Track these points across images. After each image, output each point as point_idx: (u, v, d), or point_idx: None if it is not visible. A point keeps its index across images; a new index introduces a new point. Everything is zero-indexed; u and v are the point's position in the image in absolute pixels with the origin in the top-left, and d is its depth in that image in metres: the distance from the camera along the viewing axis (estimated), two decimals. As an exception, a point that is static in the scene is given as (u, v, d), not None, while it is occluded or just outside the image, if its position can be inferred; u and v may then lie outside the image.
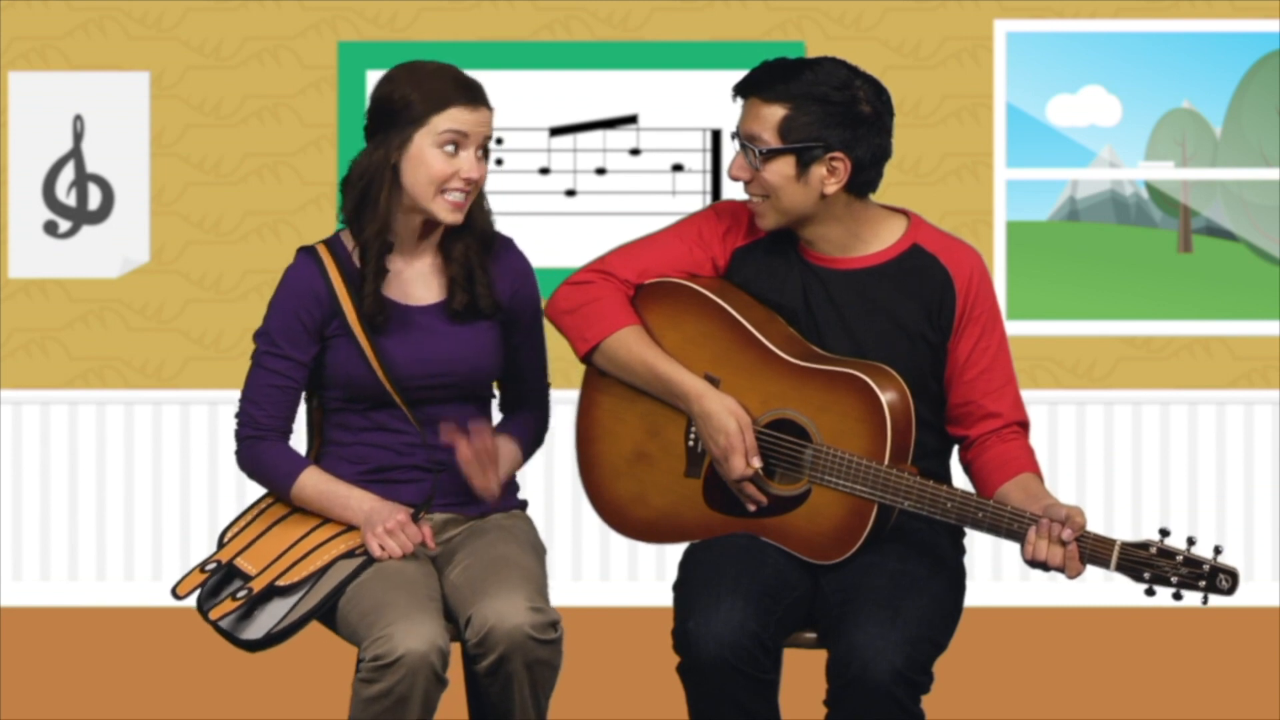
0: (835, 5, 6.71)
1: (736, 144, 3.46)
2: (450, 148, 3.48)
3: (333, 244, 3.59)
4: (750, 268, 3.52)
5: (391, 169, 3.49)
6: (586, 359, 3.53)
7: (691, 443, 3.50)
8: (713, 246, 3.54)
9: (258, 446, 3.56)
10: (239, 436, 3.58)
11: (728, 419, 3.40)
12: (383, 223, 3.50)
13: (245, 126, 6.74)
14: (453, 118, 3.48)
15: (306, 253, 3.58)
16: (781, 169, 3.40)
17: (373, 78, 6.68)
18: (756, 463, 3.40)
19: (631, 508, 3.56)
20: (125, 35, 6.71)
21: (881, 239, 3.49)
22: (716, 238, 3.55)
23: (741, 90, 3.44)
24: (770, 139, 3.40)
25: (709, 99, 6.72)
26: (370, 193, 3.50)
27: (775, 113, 3.39)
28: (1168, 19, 6.75)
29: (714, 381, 3.45)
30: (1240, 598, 6.47)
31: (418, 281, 3.58)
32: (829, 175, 3.40)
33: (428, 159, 3.48)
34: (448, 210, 3.50)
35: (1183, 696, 5.41)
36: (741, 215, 3.55)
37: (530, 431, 3.69)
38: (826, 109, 3.38)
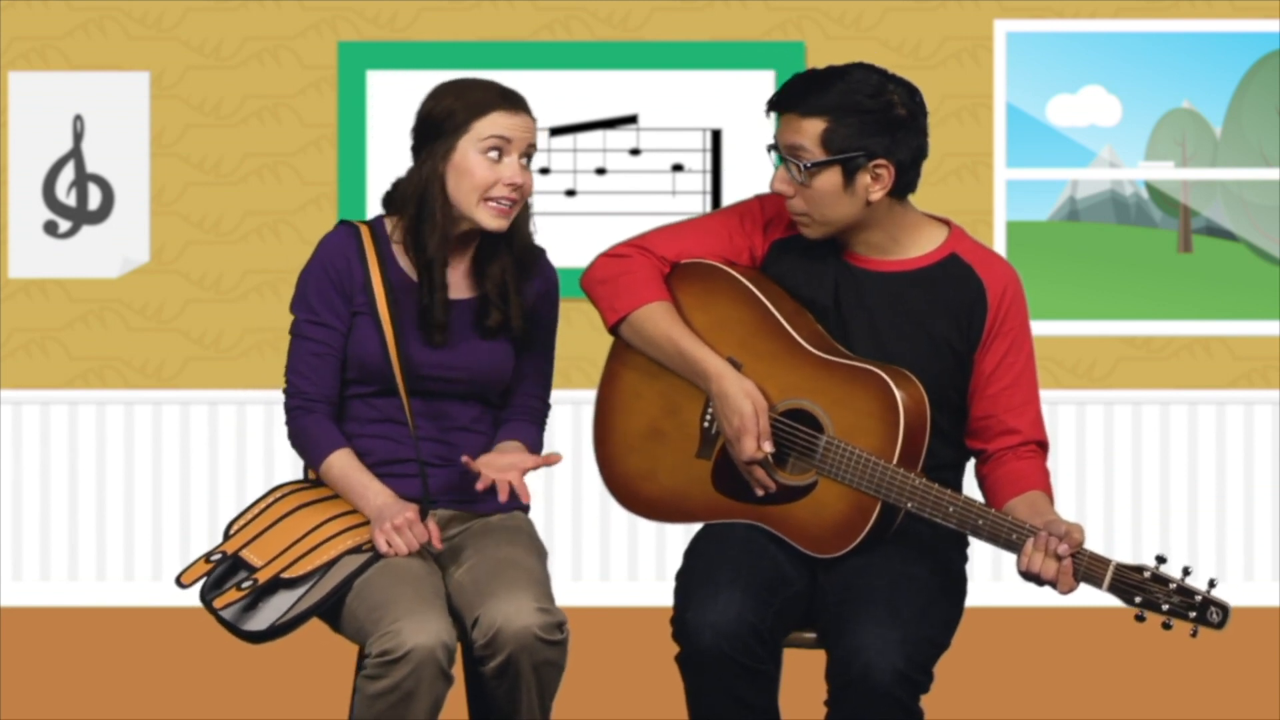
0: (835, 5, 6.71)
1: (772, 157, 3.46)
2: (494, 154, 3.51)
3: (375, 225, 3.62)
4: (787, 261, 3.54)
5: (439, 180, 3.51)
6: (614, 330, 3.55)
7: (707, 424, 3.52)
8: (753, 236, 3.57)
9: (303, 419, 3.58)
10: (287, 408, 3.60)
11: (744, 401, 3.41)
12: (442, 234, 3.53)
13: (245, 126, 6.74)
14: (494, 123, 3.51)
15: (346, 224, 3.61)
16: (828, 181, 3.41)
17: (373, 77, 6.70)
18: (768, 447, 3.42)
19: (640, 483, 3.58)
20: (125, 35, 6.71)
21: (920, 245, 3.51)
22: (758, 227, 3.57)
23: (776, 106, 3.45)
24: (814, 152, 3.40)
25: (709, 99, 6.72)
26: (425, 207, 3.53)
27: (815, 126, 3.40)
28: (1168, 19, 6.75)
29: (736, 365, 3.47)
30: (1240, 598, 6.50)
31: (453, 278, 3.60)
32: (874, 182, 3.42)
33: (471, 165, 3.50)
34: (491, 217, 3.53)
35: (1183, 696, 5.41)
36: (785, 209, 3.56)
37: (529, 438, 3.68)
38: (864, 118, 3.39)
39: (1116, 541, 6.70)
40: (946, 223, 3.56)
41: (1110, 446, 6.74)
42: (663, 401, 3.56)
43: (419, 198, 3.53)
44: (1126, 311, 6.78)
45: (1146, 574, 3.22)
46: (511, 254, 3.61)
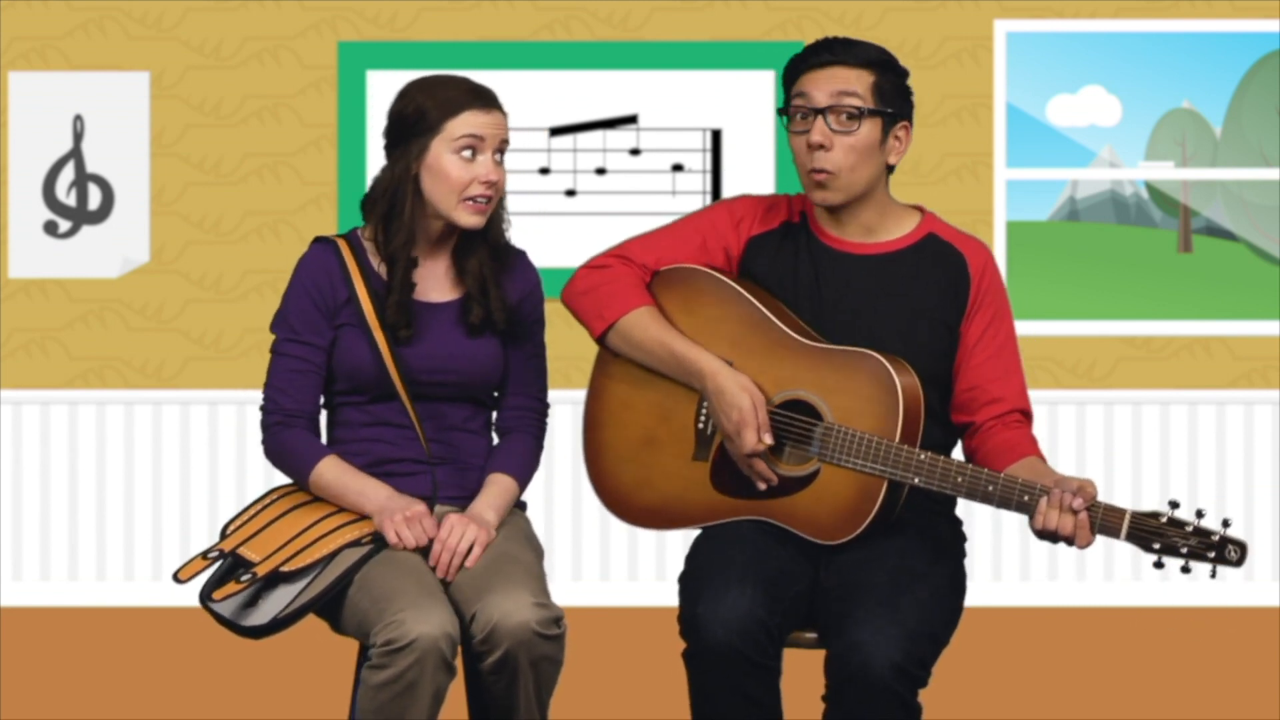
0: (835, 5, 6.71)
1: (785, 120, 3.49)
2: (467, 153, 3.52)
3: (350, 238, 3.63)
4: (766, 255, 3.56)
5: (413, 180, 3.52)
6: (601, 339, 3.56)
7: (701, 425, 3.52)
8: (727, 235, 3.58)
9: (283, 434, 3.58)
10: (264, 425, 3.60)
11: (741, 395, 3.43)
12: (409, 234, 3.55)
13: (245, 126, 6.74)
14: (467, 122, 3.52)
15: (323, 241, 3.62)
16: (871, 132, 3.46)
17: (373, 78, 6.70)
18: (768, 438, 3.42)
19: (635, 493, 3.58)
20: (125, 35, 6.71)
21: (899, 228, 3.56)
22: (730, 226, 3.58)
23: (823, 60, 3.46)
24: (867, 99, 3.44)
25: (709, 99, 6.72)
26: (395, 206, 3.54)
27: (866, 77, 3.46)
28: (1168, 19, 6.75)
29: (728, 364, 3.47)
30: (1240, 598, 6.50)
31: (434, 280, 3.62)
32: (896, 144, 3.50)
33: (446, 165, 3.52)
34: (468, 215, 3.54)
35: (1183, 696, 5.41)
36: (756, 207, 3.60)
37: (524, 458, 3.69)
38: (898, 80, 3.49)
39: (1116, 540, 6.69)
40: (918, 208, 3.60)
41: (1110, 446, 6.74)
42: (654, 409, 3.56)
43: (390, 196, 3.55)
44: (1126, 311, 6.78)
45: (1163, 519, 3.25)
46: (487, 248, 3.62)
